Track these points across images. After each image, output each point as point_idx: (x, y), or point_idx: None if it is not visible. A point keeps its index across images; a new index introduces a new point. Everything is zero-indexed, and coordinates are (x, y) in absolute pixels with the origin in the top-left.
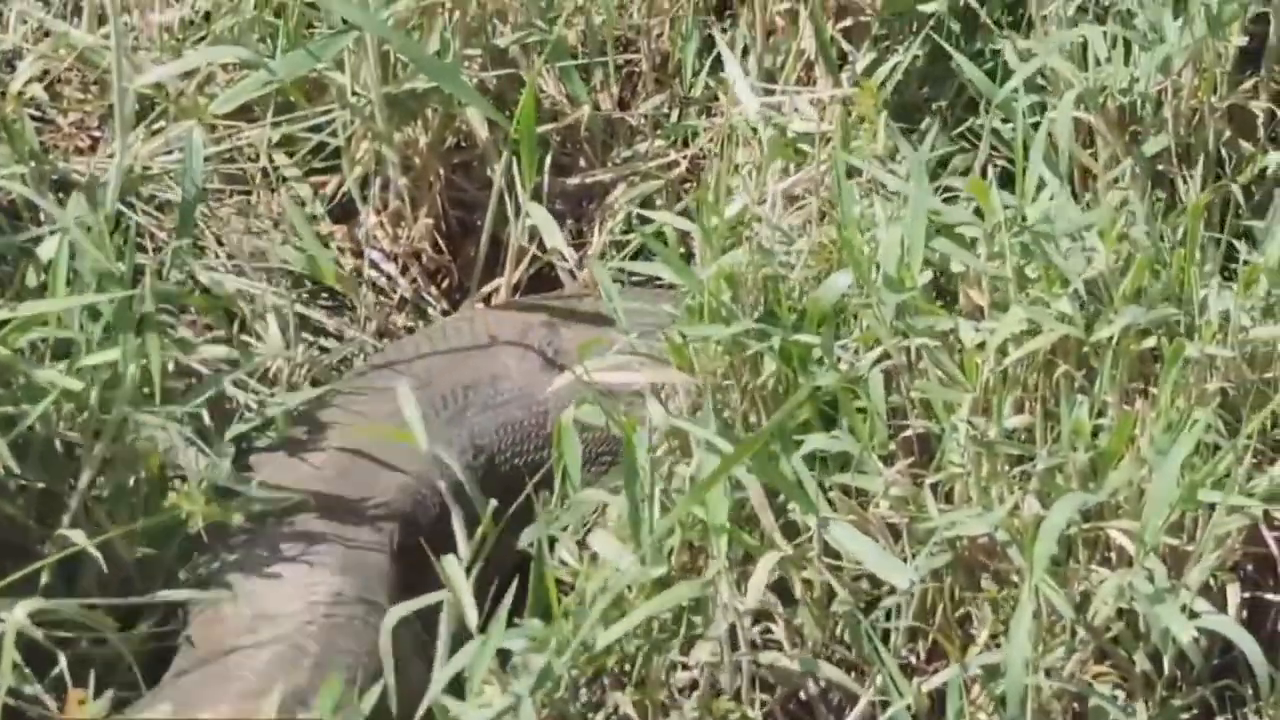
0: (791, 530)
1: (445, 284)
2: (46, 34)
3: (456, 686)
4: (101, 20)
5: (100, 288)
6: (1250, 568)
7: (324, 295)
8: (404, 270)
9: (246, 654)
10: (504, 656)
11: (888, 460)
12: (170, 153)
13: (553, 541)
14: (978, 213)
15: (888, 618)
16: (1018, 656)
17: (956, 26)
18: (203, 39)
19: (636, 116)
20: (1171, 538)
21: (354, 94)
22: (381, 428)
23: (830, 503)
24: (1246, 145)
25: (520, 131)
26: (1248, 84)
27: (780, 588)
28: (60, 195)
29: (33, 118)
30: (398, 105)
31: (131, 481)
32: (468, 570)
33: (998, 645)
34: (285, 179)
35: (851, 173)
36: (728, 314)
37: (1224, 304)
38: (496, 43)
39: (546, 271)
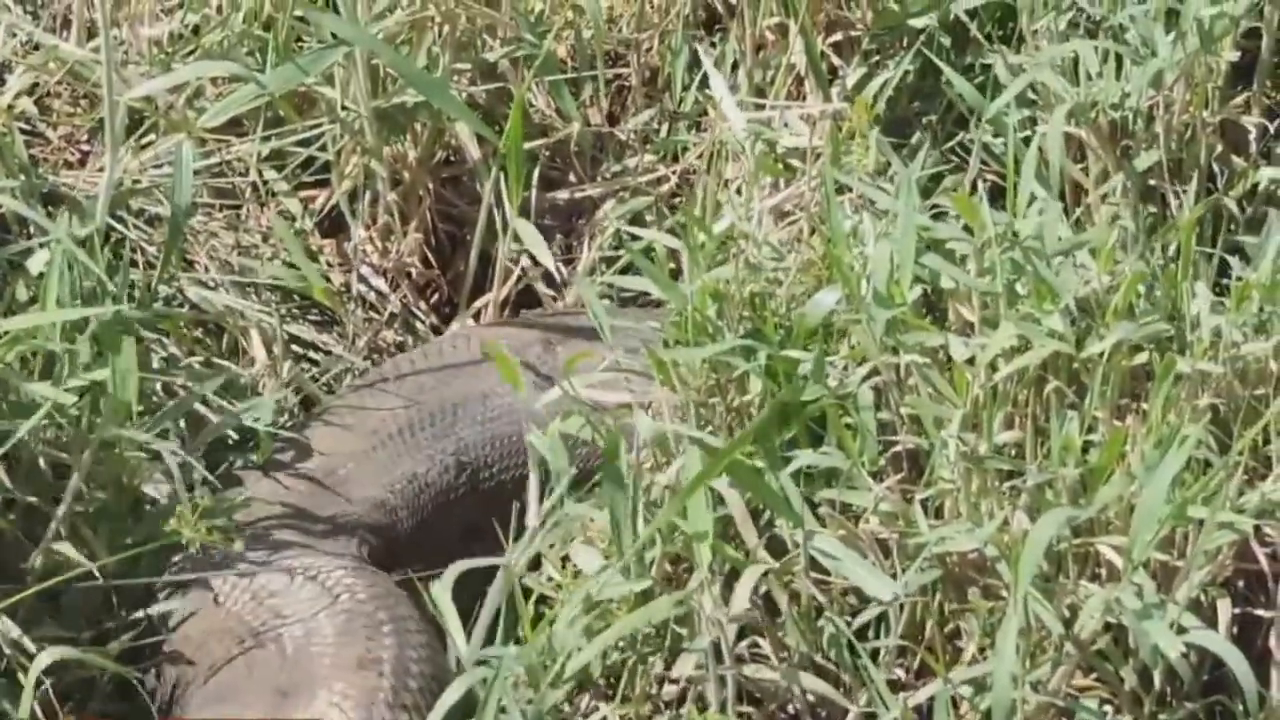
0: (780, 544)
1: (435, 299)
2: (36, 47)
3: None
4: (91, 34)
5: (89, 302)
6: (1241, 584)
7: (314, 311)
8: (393, 285)
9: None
10: None
11: (878, 476)
12: (160, 166)
13: (538, 557)
14: (968, 229)
15: (876, 632)
16: (1004, 670)
17: (947, 41)
18: (192, 53)
19: (626, 132)
20: (1162, 553)
21: (343, 108)
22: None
23: (819, 518)
24: (1239, 160)
25: (507, 148)
26: (1239, 99)
27: (769, 601)
28: (50, 209)
29: (22, 131)
30: (387, 119)
31: (116, 498)
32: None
33: (986, 660)
34: (275, 193)
35: (841, 189)
36: (713, 330)
37: (1216, 320)
38: (486, 57)
39: (536, 287)
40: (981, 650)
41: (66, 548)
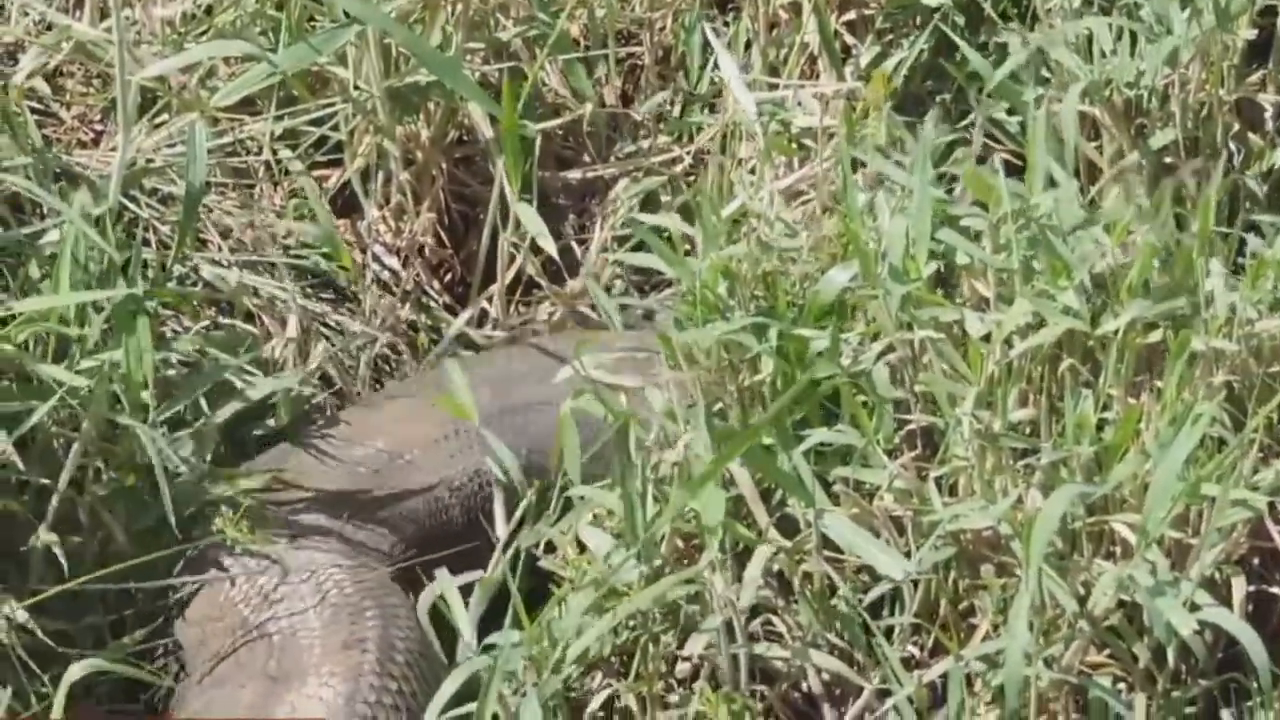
0: (793, 522)
1: (448, 278)
2: (49, 27)
3: None
4: (103, 14)
5: (102, 282)
6: (1256, 562)
7: (329, 290)
8: (406, 264)
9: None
10: None
11: (892, 454)
12: (173, 146)
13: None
14: (981, 205)
15: (890, 610)
16: (1017, 646)
17: (961, 20)
18: (205, 33)
19: (640, 112)
20: (1176, 531)
21: (356, 88)
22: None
23: (832, 496)
24: (1255, 139)
25: (505, 135)
26: (1255, 77)
27: (782, 580)
28: (63, 189)
29: (35, 111)
30: (400, 99)
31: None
32: None
33: (999, 637)
34: (289, 172)
35: (855, 167)
36: (724, 308)
37: (1230, 298)
38: (499, 36)
39: (549, 267)
40: (995, 628)
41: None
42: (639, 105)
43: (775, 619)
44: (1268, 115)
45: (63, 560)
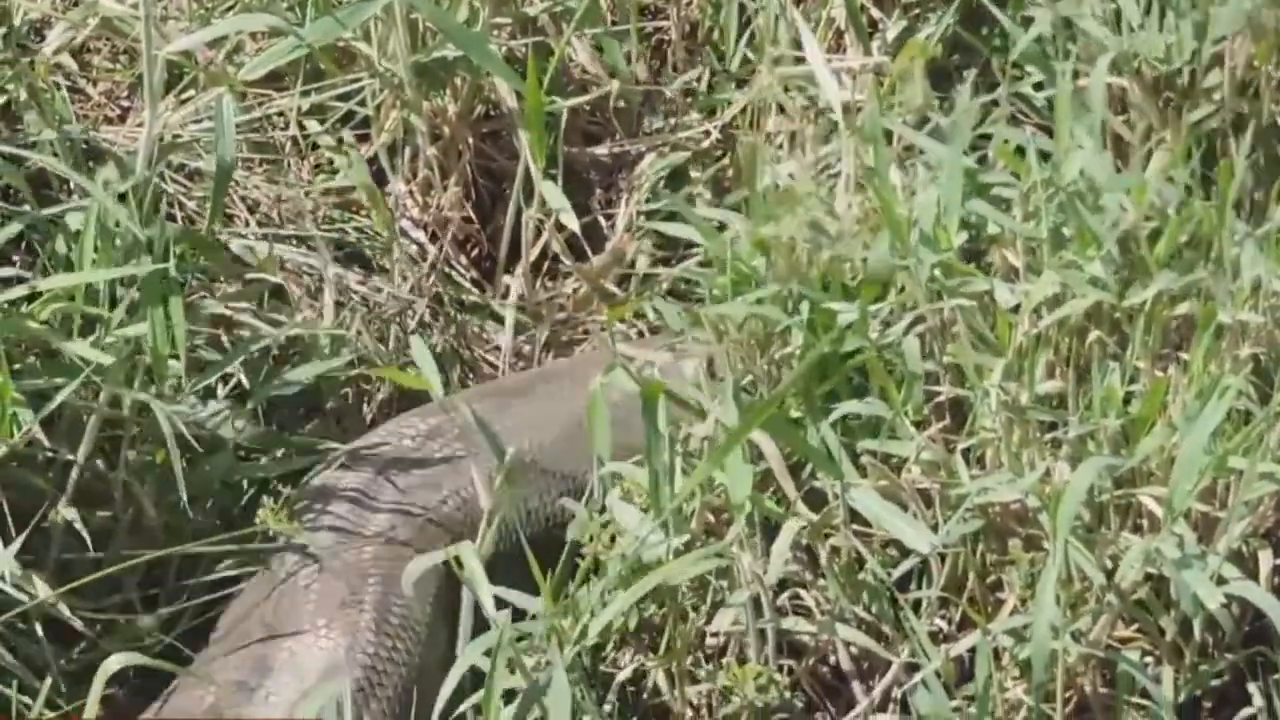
0: (820, 495)
1: (475, 253)
2: (76, 2)
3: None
4: None
5: (129, 257)
6: None
7: (355, 266)
8: (433, 238)
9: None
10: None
11: (920, 426)
12: (200, 121)
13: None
14: (1014, 175)
15: (918, 584)
16: (1044, 620)
17: None
18: (231, 8)
19: (670, 88)
20: (1203, 504)
21: (382, 62)
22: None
23: (860, 468)
24: None
25: (529, 112)
26: None
27: (810, 554)
28: (91, 164)
29: (60, 88)
30: (426, 74)
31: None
32: None
33: (1027, 611)
34: (316, 146)
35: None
36: (758, 280)
37: (1257, 270)
38: (526, 11)
39: (574, 242)
40: (1023, 602)
41: (71, 512)
42: (666, 81)
43: (803, 593)
44: None
45: (86, 536)
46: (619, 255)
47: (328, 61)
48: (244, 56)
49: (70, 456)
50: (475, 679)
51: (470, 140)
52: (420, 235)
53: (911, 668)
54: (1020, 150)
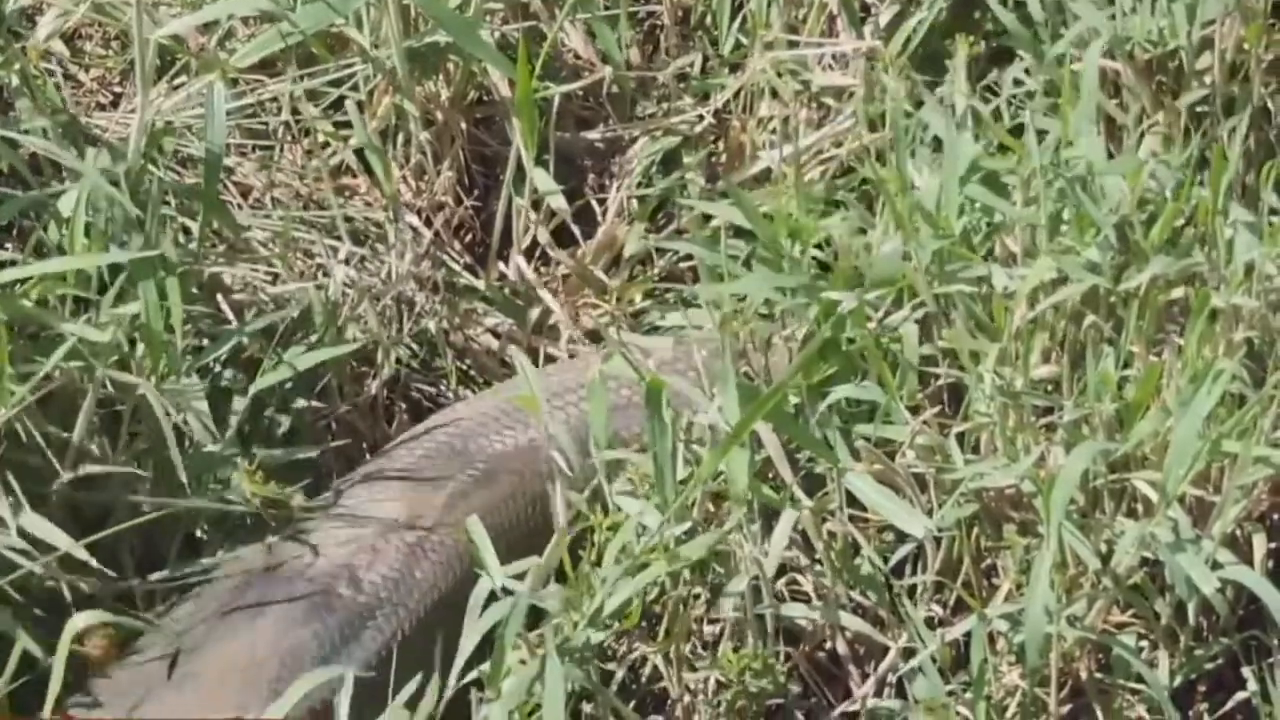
0: (818, 479)
1: (469, 238)
2: None
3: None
4: None
5: (122, 242)
6: (1277, 518)
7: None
8: (427, 224)
9: None
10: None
11: (916, 411)
12: (193, 107)
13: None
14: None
15: (913, 570)
16: (1038, 604)
17: None
18: None
19: (664, 73)
20: (1197, 489)
21: (375, 47)
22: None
23: (854, 453)
24: None
25: (520, 101)
26: None
27: (807, 539)
28: (83, 151)
29: (54, 74)
30: (419, 59)
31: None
32: None
33: (1022, 596)
34: (309, 132)
35: (875, 126)
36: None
37: (1250, 254)
38: None
39: (566, 228)
40: (1018, 587)
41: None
42: (659, 66)
43: (800, 579)
44: None
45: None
46: (609, 241)
47: (320, 47)
48: (236, 43)
49: (66, 435)
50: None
51: (463, 126)
52: (413, 219)
53: (908, 653)
54: (1019, 134)
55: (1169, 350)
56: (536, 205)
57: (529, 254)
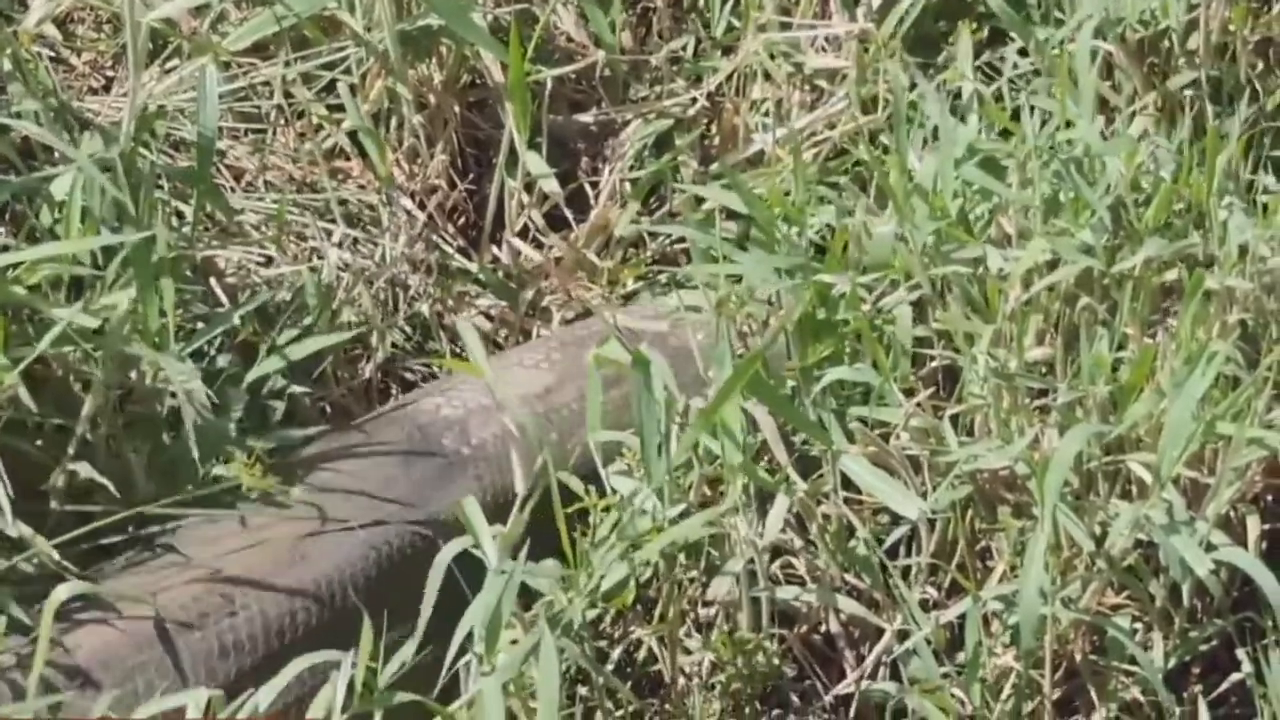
0: (813, 460)
1: (461, 221)
2: None
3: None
4: None
5: (116, 226)
6: (1271, 500)
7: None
8: (421, 206)
9: None
10: (526, 602)
11: (910, 394)
12: (185, 91)
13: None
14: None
15: (907, 552)
16: (1032, 585)
17: None
18: None
19: (655, 55)
20: (1191, 470)
21: (367, 30)
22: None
23: (849, 435)
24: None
25: (512, 85)
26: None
27: (802, 522)
28: (75, 135)
29: (45, 57)
30: (412, 42)
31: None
32: None
33: (1016, 578)
34: (301, 115)
35: (867, 108)
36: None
37: (1244, 235)
38: None
39: (556, 212)
40: (1012, 569)
41: (85, 468)
42: (651, 48)
43: (795, 561)
44: None
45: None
46: (602, 223)
47: (314, 30)
48: (228, 26)
49: (58, 421)
50: None
51: (456, 109)
52: (407, 203)
53: (902, 635)
54: (1015, 116)
55: (1163, 332)
56: (529, 188)
57: (522, 235)
